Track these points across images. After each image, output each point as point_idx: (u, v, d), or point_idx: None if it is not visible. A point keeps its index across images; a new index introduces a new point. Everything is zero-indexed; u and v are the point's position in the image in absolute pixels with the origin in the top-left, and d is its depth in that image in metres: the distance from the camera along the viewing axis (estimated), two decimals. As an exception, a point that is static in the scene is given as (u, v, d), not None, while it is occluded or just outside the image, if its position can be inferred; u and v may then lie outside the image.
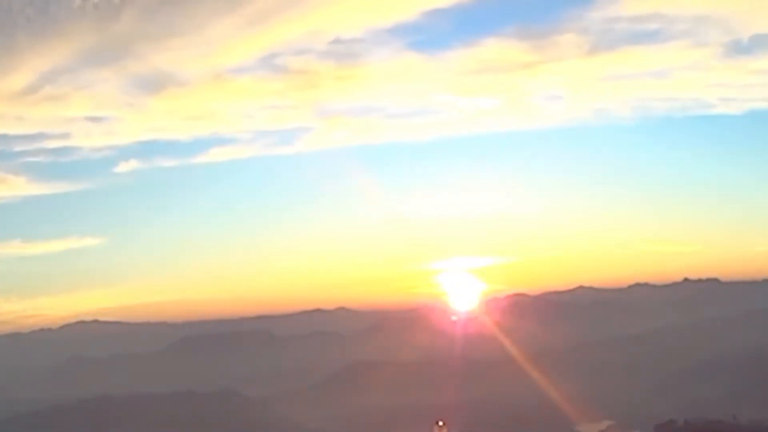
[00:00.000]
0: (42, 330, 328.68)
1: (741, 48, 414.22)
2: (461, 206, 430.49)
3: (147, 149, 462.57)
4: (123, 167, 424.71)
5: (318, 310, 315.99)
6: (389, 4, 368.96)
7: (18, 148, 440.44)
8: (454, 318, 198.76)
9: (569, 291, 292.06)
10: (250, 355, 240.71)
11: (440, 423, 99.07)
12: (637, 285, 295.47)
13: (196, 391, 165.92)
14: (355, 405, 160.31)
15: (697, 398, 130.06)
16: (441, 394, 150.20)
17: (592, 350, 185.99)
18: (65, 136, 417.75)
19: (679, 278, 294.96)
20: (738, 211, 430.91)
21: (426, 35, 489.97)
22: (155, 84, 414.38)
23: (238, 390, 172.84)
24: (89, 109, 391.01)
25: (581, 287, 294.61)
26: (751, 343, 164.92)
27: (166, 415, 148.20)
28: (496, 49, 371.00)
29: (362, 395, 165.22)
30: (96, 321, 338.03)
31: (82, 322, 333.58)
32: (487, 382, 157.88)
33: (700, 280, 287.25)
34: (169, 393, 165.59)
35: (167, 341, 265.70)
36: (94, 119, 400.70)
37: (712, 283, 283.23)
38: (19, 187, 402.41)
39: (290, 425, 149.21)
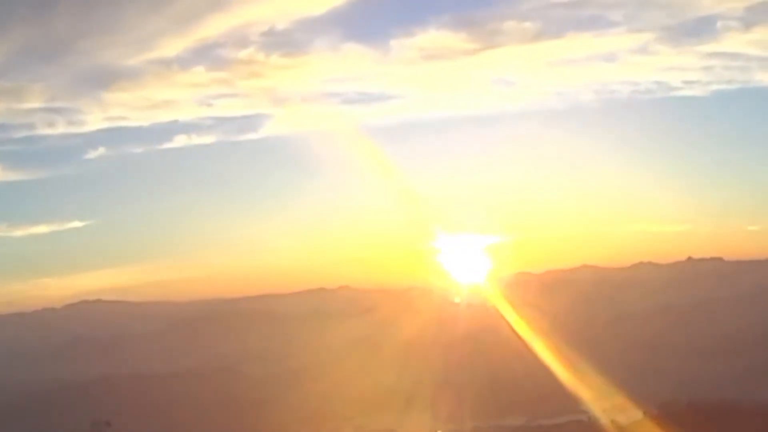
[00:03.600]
0: (45, 310, 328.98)
1: (687, 31, 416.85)
2: (455, 185, 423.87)
3: (112, 137, 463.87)
4: (92, 154, 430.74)
5: (321, 289, 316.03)
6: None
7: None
8: (457, 297, 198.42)
9: (573, 270, 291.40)
10: (252, 333, 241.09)
11: None
12: (641, 264, 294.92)
13: (199, 370, 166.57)
14: (359, 384, 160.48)
15: (702, 377, 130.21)
16: (445, 373, 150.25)
17: (595, 329, 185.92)
18: (30, 126, 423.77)
19: (682, 257, 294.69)
20: (732, 191, 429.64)
21: (361, 25, 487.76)
22: (105, 77, 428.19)
23: (240, 369, 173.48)
24: (46, 101, 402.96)
25: (585, 266, 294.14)
26: (756, 323, 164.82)
27: (169, 395, 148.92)
28: (436, 37, 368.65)
29: (365, 374, 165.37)
30: (99, 300, 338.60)
31: (86, 302, 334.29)
32: (491, 361, 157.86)
33: (703, 259, 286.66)
34: (172, 372, 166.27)
35: (170, 320, 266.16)
36: (54, 110, 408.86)
37: (716, 262, 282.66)
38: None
39: (293, 404, 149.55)
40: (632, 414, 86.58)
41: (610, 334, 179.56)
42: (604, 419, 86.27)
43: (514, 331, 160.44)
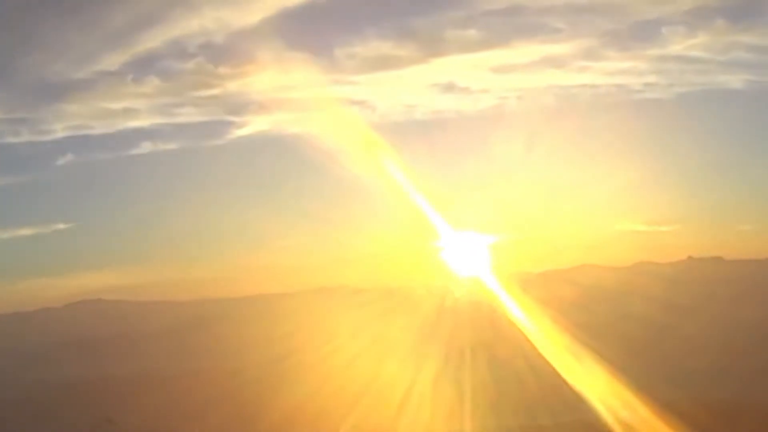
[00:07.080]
0: (45, 309, 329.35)
1: (633, 36, 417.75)
2: (447, 186, 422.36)
3: (78, 145, 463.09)
4: (62, 160, 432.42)
5: (321, 289, 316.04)
6: (248, 5, 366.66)
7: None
8: (457, 295, 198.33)
9: (573, 269, 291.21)
10: (252, 333, 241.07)
11: None
12: (641, 263, 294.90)
13: (199, 370, 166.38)
14: (358, 383, 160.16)
15: (703, 376, 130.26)
16: (444, 373, 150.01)
17: (596, 328, 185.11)
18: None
19: (683, 257, 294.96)
20: (721, 190, 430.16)
21: (299, 35, 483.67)
22: (58, 89, 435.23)
23: (239, 368, 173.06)
24: (4, 113, 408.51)
25: (585, 265, 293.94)
26: (757, 322, 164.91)
27: (170, 395, 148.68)
28: (378, 46, 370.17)
29: (364, 373, 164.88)
30: (100, 300, 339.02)
31: (86, 301, 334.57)
32: (491, 360, 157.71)
33: (703, 259, 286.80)
34: (173, 372, 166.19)
35: (171, 320, 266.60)
36: (16, 120, 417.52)
37: (716, 261, 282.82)
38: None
39: (292, 403, 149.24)
40: (635, 412, 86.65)
41: (611, 333, 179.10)
42: (607, 418, 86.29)
43: (514, 329, 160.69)
